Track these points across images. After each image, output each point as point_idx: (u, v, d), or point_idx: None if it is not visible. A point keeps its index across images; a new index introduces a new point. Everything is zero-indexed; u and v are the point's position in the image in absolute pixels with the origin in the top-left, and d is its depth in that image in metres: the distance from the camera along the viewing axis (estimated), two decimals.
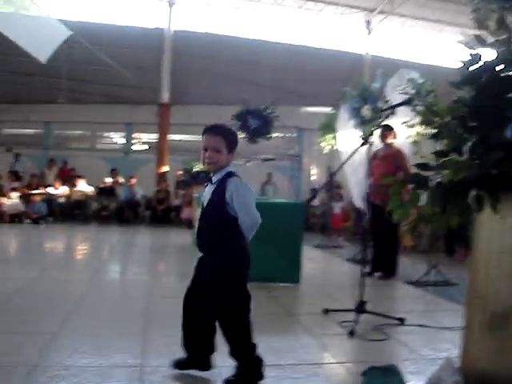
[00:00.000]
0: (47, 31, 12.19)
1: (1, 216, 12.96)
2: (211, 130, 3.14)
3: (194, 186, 12.88)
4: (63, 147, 19.39)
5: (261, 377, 3.10)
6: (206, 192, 3.19)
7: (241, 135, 12.72)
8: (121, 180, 15.68)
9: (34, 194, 13.74)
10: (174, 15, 17.05)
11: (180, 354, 3.30)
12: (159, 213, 14.51)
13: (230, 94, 15.78)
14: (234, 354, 3.12)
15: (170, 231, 13.12)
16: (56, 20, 12.76)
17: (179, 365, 3.26)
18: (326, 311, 4.91)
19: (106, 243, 10.88)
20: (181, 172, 14.70)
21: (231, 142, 3.13)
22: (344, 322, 4.53)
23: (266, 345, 3.85)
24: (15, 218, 12.95)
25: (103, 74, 16.10)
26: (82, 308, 4.91)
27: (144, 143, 19.54)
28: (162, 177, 16.17)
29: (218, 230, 3.10)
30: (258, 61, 16.48)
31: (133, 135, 19.41)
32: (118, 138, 19.99)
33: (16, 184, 14.10)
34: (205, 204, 3.17)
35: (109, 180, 15.38)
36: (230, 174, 3.09)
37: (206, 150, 3.09)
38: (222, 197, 3.03)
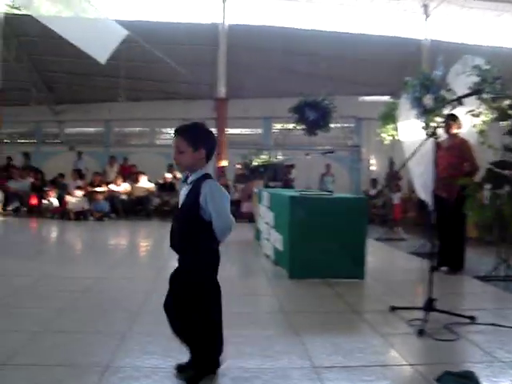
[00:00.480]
0: (105, 32, 12.44)
1: (66, 214, 13.35)
2: (175, 132, 3.09)
3: (253, 180, 12.90)
4: (123, 144, 19.84)
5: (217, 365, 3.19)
6: (182, 193, 3.13)
7: (299, 127, 12.67)
8: (178, 175, 15.85)
9: (97, 192, 14.08)
10: (227, 9, 17.04)
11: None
12: None
13: (287, 87, 15.70)
14: (197, 351, 3.16)
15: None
16: (113, 21, 13.01)
17: (180, 368, 3.25)
18: (393, 309, 4.79)
19: (168, 239, 11.02)
20: (239, 166, 14.73)
21: (193, 140, 3.02)
22: (412, 320, 4.40)
23: (332, 344, 3.80)
24: (80, 216, 13.30)
25: (160, 71, 16.35)
26: (149, 307, 4.96)
27: None
28: (221, 171, 16.25)
29: (190, 232, 3.07)
30: (313, 51, 16.27)
31: None
32: None
33: (80, 182, 14.50)
34: (179, 205, 3.14)
35: (169, 175, 15.59)
36: (206, 176, 3.03)
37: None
38: (196, 199, 2.96)
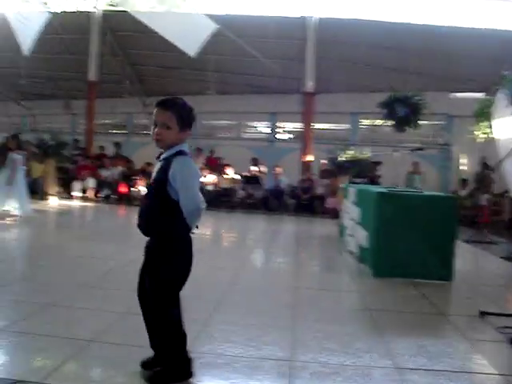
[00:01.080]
0: (195, 26, 12.71)
1: None
2: (162, 104, 2.84)
3: (339, 176, 12.75)
4: (210, 136, 20.16)
5: (188, 375, 2.93)
6: (154, 170, 2.93)
7: (387, 123, 12.39)
8: (263, 169, 15.95)
9: None
10: (317, 3, 16.87)
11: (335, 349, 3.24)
12: (304, 202, 14.55)
13: (375, 81, 15.40)
14: (160, 346, 2.97)
15: (314, 220, 13.12)
16: (203, 15, 13.23)
17: (145, 365, 3.06)
18: (483, 314, 4.57)
19: (251, 231, 11.13)
20: (325, 161, 14.61)
21: (183, 118, 2.84)
22: (503, 327, 4.18)
23: (416, 346, 3.68)
24: None
25: (248, 64, 16.46)
26: (231, 296, 5.02)
27: (288, 132, 19.73)
28: (307, 166, 16.18)
29: (157, 211, 2.83)
30: (403, 45, 15.80)
31: (277, 124, 19.67)
32: (262, 128, 20.37)
33: None
34: (150, 182, 2.94)
35: (254, 168, 15.71)
36: (179, 153, 2.81)
37: (155, 125, 2.83)
38: (165, 176, 2.76)
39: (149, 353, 3.09)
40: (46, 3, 15.88)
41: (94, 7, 16.37)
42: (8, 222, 9.35)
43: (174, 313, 2.97)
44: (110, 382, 2.90)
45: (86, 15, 16.79)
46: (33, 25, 12.49)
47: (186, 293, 4.96)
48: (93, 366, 3.12)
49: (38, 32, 12.82)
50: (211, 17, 13.20)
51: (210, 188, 14.93)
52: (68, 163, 16.55)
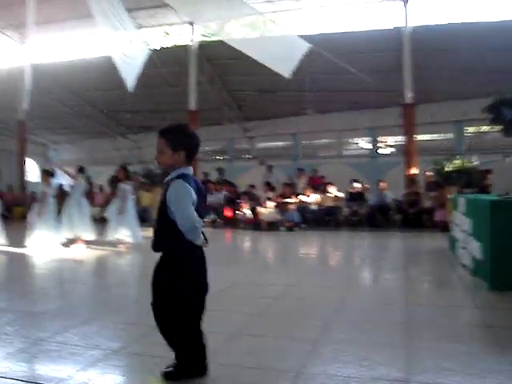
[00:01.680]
0: (288, 48, 12.81)
1: (258, 224, 13.91)
2: (159, 132, 3.12)
3: (446, 187, 12.24)
4: (311, 156, 20.15)
5: (202, 371, 3.18)
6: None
7: (495, 129, 11.75)
8: (366, 185, 15.64)
9: (289, 203, 14.45)
10: (409, 12, 16.44)
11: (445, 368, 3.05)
12: (410, 216, 14.07)
13: (478, 86, 14.73)
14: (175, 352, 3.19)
15: (422, 235, 12.62)
16: (295, 36, 13.31)
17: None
18: None
19: (358, 248, 10.90)
20: (431, 173, 14.09)
21: (174, 142, 3.06)
22: None
23: None
24: (272, 226, 13.76)
25: (344, 81, 16.34)
26: (340, 315, 4.91)
27: (390, 146, 19.31)
28: (412, 179, 15.67)
29: (162, 232, 3.10)
30: (505, 45, 14.94)
31: (378, 139, 19.32)
32: (363, 143, 20.09)
33: (271, 194, 15.01)
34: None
35: (357, 185, 15.46)
36: (179, 176, 3.04)
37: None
38: (164, 198, 3.01)
39: (256, 374, 3.07)
40: (147, 42, 16.71)
41: (191, 40, 17.02)
42: (121, 250, 9.80)
43: (185, 327, 3.17)
44: None
45: (183, 48, 17.48)
46: (135, 62, 13.19)
47: (296, 312, 4.96)
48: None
49: (140, 68, 13.50)
50: (303, 37, 13.27)
51: (313, 208, 14.86)
52: None
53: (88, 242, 10.28)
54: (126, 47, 13.57)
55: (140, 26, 16.93)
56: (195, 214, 3.00)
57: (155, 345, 3.91)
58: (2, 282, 7.18)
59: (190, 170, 3.15)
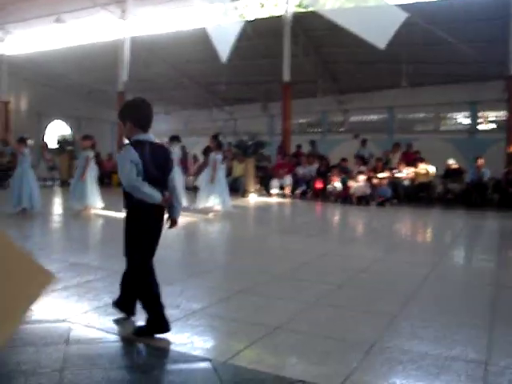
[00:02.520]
0: (384, 18, 12.38)
1: (349, 198, 13.75)
2: None
3: None
4: (406, 131, 19.53)
5: (165, 330, 3.36)
6: None
7: None
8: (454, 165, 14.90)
9: (380, 178, 14.15)
10: None
11: None
12: (509, 195, 13.33)
13: None
14: (141, 304, 3.49)
15: None
16: (392, 5, 12.84)
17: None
18: None
19: (450, 227, 10.50)
20: None
21: (121, 116, 3.54)
22: None
23: None
24: (362, 200, 13.55)
25: (443, 53, 15.60)
26: (423, 292, 4.78)
27: (491, 122, 18.32)
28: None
29: (126, 193, 3.45)
30: None
31: (478, 114, 18.37)
32: (461, 119, 19.20)
33: (363, 168, 14.75)
34: None
35: (452, 162, 14.84)
36: (129, 143, 3.48)
37: None
38: None
39: (329, 343, 3.06)
40: (242, 14, 16.75)
41: (285, 11, 16.84)
42: (211, 217, 10.06)
43: (143, 275, 3.52)
44: (291, 368, 2.92)
45: (278, 19, 17.35)
46: (229, 34, 13.27)
47: (378, 286, 4.88)
48: (276, 352, 3.18)
49: (234, 40, 13.57)
50: (400, 6, 12.74)
51: (406, 183, 14.46)
52: (266, 162, 17.28)
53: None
54: (220, 19, 13.68)
55: None
56: (133, 174, 3.32)
57: (234, 309, 4.03)
58: (97, 243, 7.60)
59: (145, 137, 3.49)
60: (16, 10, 19.50)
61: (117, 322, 3.67)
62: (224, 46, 13.20)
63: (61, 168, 18.83)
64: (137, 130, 3.49)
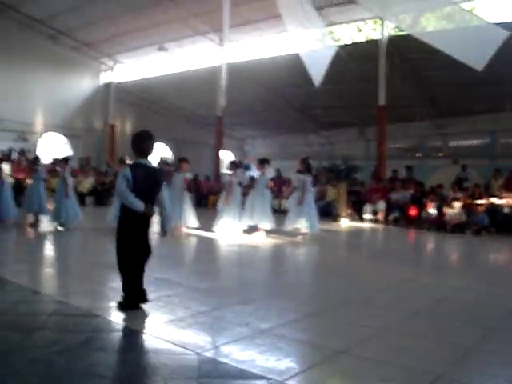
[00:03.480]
0: (483, 38, 11.93)
1: (443, 225, 13.25)
2: None
3: None
4: (510, 156, 18.60)
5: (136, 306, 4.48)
6: None
7: None
8: None
9: (477, 204, 13.56)
10: None
11: None
12: None
13: None
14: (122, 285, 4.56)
15: None
16: (493, 24, 12.35)
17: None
18: None
19: None
20: None
21: (131, 145, 4.63)
22: None
23: None
24: (457, 228, 13.02)
25: None
26: (504, 326, 4.55)
27: None
28: None
29: (121, 204, 4.66)
30: None
31: None
32: None
33: (459, 194, 14.21)
34: None
35: None
36: (128, 165, 4.81)
37: None
38: None
39: (392, 371, 3.00)
40: (338, 39, 16.81)
41: (381, 34, 16.69)
42: (298, 240, 10.09)
43: (127, 267, 4.53)
44: None
45: (373, 43, 17.23)
46: (322, 59, 13.35)
47: (457, 316, 4.70)
48: (333, 376, 3.17)
49: (327, 65, 13.61)
50: (500, 25, 12.21)
51: (506, 211, 13.73)
52: (360, 187, 17.10)
53: (268, 231, 10.70)
54: (313, 44, 13.82)
55: (331, 23, 17.09)
56: (123, 185, 4.42)
57: (302, 331, 4.04)
58: (182, 261, 7.85)
59: (142, 161, 4.59)
60: (124, 40, 20.86)
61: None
62: (316, 71, 13.29)
63: None
64: (137, 156, 4.62)
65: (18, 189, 12.97)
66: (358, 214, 15.95)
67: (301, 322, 4.27)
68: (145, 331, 3.88)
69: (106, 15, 18.53)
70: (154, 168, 4.72)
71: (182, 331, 3.92)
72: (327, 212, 15.65)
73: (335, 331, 4.12)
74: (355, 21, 18.62)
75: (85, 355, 3.33)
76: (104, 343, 3.58)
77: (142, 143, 4.61)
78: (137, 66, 23.70)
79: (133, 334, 3.86)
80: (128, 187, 4.40)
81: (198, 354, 3.40)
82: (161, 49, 19.98)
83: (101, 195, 17.72)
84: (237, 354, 3.44)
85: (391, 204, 15.49)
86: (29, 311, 4.35)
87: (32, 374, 3.00)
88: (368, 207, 15.75)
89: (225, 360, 3.31)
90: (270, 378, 3.02)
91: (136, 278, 4.51)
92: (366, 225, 14.66)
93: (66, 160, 11.24)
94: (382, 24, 16.54)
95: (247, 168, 15.22)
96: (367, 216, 15.61)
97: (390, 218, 15.14)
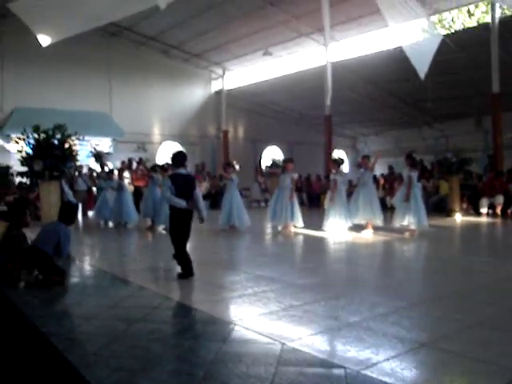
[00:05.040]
0: None
1: None
2: None
3: None
4: None
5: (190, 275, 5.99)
6: None
7: None
8: None
9: None
10: None
11: None
12: None
13: None
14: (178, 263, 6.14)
15: None
16: None
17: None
18: None
19: None
20: None
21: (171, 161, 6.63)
22: None
23: None
24: None
25: None
26: None
27: None
28: None
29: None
30: None
31: None
32: None
33: None
34: None
35: None
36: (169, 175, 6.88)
37: None
38: None
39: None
40: (449, 27, 16.20)
41: (492, 17, 15.81)
42: (406, 236, 9.89)
43: (179, 249, 6.06)
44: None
45: (482, 28, 16.38)
46: (426, 50, 12.89)
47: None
48: (412, 368, 3.17)
49: (431, 55, 13.11)
50: None
51: None
52: (475, 180, 16.36)
53: (376, 228, 10.59)
54: (417, 36, 13.42)
55: (435, 11, 16.47)
56: (167, 192, 5.96)
57: (389, 324, 4.05)
58: (284, 259, 8.02)
59: (179, 171, 6.16)
60: (231, 48, 21.54)
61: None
62: (420, 63, 12.87)
63: (271, 190, 20.02)
64: (175, 168, 6.30)
65: (137, 196, 13.83)
66: (473, 208, 15.27)
67: (391, 316, 4.28)
68: (236, 323, 4.09)
69: (213, 26, 19.22)
70: (188, 174, 6.37)
71: (271, 323, 4.12)
72: (441, 207, 15.14)
73: (424, 325, 4.10)
74: (463, 6, 17.74)
75: (178, 343, 3.65)
76: (196, 333, 3.88)
77: (178, 159, 6.28)
78: (245, 72, 24.32)
79: (225, 324, 4.09)
80: (172, 192, 5.92)
81: (282, 343, 3.56)
82: (266, 53, 20.35)
83: (215, 199, 18.40)
84: (319, 345, 3.57)
85: (511, 197, 14.66)
86: (135, 305, 4.75)
87: (130, 357, 3.33)
88: (484, 201, 15.01)
89: (307, 350, 3.44)
90: (347, 367, 3.10)
91: (184, 251, 6.03)
92: (482, 219, 13.99)
93: (163, 167, 11.97)
94: (493, 6, 15.66)
95: (360, 166, 15.10)
96: (484, 210, 14.88)
97: (510, 211, 14.34)
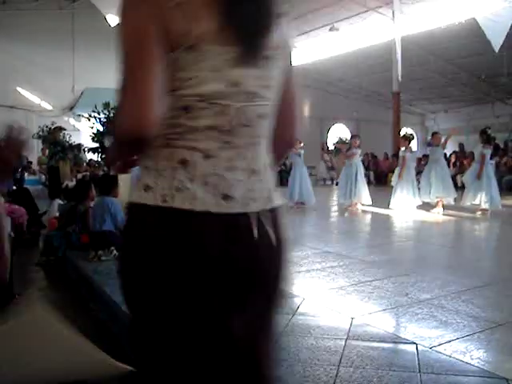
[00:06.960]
0: None
1: None
2: None
3: None
4: None
5: None
6: None
7: None
8: None
9: None
10: None
11: None
12: None
13: None
14: None
15: None
16: None
17: None
18: None
19: None
20: None
21: None
22: None
23: None
24: None
25: None
26: None
27: None
28: None
29: None
30: None
31: None
32: None
33: None
34: None
35: None
36: None
37: None
38: None
39: None
40: None
41: None
42: (477, 216, 9.58)
43: None
44: (498, 365, 2.81)
45: None
46: (502, 21, 12.27)
47: None
48: (487, 347, 3.07)
49: (509, 27, 12.47)
50: None
51: None
52: None
53: (446, 207, 10.28)
54: (492, 6, 12.78)
55: None
56: None
57: (463, 302, 3.94)
58: (352, 235, 7.94)
59: None
60: (297, 24, 21.18)
61: None
62: (495, 35, 12.28)
63: (337, 168, 19.81)
64: None
65: None
66: None
67: (463, 294, 4.16)
68: (305, 296, 4.07)
69: None
70: None
71: (340, 298, 4.11)
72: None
73: (500, 304, 3.96)
74: None
75: None
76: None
77: None
78: (310, 49, 23.98)
79: (294, 298, 4.03)
80: None
81: (352, 318, 3.53)
82: (332, 29, 19.93)
83: (280, 175, 18.42)
84: (389, 321, 3.54)
85: None
86: None
87: None
88: None
89: (376, 325, 3.40)
90: (418, 344, 3.05)
91: None
92: None
93: None
94: None
95: (430, 144, 14.68)
96: None
97: None
